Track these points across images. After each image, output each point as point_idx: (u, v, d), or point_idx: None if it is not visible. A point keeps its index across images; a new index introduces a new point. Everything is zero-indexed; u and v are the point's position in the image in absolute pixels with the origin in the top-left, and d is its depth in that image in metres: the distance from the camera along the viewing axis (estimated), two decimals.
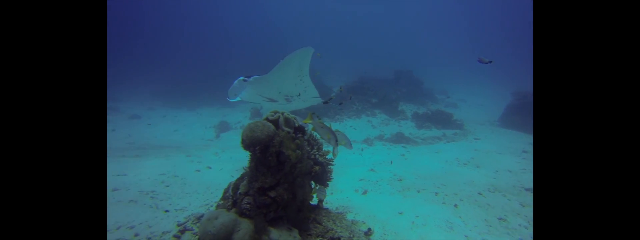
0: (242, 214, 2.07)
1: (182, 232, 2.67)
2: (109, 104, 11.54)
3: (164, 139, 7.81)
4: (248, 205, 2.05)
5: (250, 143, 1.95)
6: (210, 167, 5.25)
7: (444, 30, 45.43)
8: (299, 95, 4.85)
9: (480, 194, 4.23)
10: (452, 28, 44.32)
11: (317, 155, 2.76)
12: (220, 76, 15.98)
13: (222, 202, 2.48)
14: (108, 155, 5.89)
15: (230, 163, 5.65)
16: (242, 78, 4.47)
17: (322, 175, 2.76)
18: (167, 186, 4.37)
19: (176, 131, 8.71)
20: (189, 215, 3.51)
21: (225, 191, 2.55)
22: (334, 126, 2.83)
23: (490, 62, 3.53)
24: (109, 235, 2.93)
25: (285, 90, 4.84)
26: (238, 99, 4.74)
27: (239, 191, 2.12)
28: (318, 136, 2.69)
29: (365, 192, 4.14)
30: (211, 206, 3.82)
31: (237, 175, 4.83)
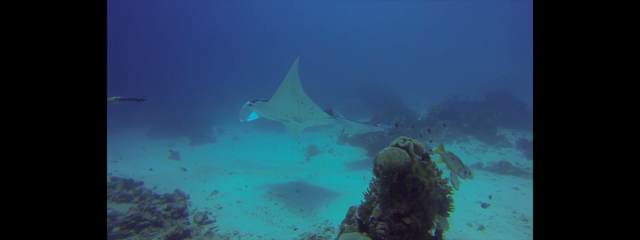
0: (376, 238, 2.12)
1: None
2: (216, 127, 13.56)
3: (262, 159, 8.67)
4: (383, 231, 2.09)
5: (389, 169, 2.04)
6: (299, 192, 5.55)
7: None
8: (309, 116, 4.89)
9: None
10: None
11: (438, 183, 2.68)
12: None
13: (347, 225, 2.59)
14: (222, 171, 6.84)
15: (326, 186, 5.88)
16: (248, 103, 4.75)
17: (443, 205, 2.64)
18: (275, 204, 4.77)
19: (273, 152, 9.59)
20: (303, 234, 3.75)
21: (349, 215, 2.66)
22: None
23: None
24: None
25: (291, 113, 4.95)
26: (248, 119, 4.96)
27: (372, 216, 2.19)
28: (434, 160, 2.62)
29: (481, 228, 3.74)
30: (319, 226, 4.00)
31: (333, 200, 4.97)
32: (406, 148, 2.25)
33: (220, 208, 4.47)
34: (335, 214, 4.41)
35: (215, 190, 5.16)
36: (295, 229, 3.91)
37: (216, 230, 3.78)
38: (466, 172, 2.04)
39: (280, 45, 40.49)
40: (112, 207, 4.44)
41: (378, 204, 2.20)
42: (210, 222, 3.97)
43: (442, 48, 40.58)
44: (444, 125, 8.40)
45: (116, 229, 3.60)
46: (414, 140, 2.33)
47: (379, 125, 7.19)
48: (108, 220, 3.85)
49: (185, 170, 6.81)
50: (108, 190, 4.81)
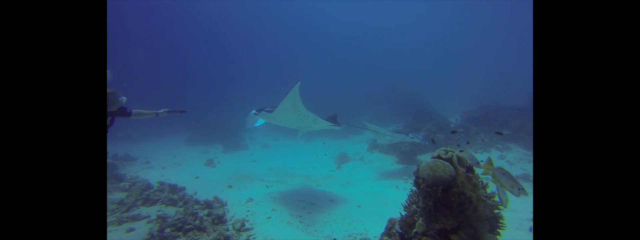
0: None
1: None
2: (247, 135, 14.00)
3: (292, 167, 8.79)
4: None
5: (433, 182, 2.00)
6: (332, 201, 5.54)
7: None
8: (312, 125, 5.23)
9: None
10: None
11: (484, 197, 2.56)
12: (334, 107, 17.23)
13: (387, 238, 2.55)
14: (255, 178, 7.04)
15: (359, 195, 5.82)
16: (253, 112, 5.03)
17: (493, 222, 2.51)
18: (309, 213, 4.81)
19: (303, 160, 9.70)
20: None
21: (389, 227, 2.62)
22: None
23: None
24: None
25: (295, 124, 5.28)
26: (256, 125, 5.25)
27: (416, 230, 2.14)
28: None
29: None
30: (354, 237, 3.96)
31: (367, 209, 4.89)
32: (449, 160, 2.19)
33: (256, 216, 4.59)
34: (370, 224, 4.35)
35: (250, 198, 5.32)
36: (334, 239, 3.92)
37: (254, 238, 3.89)
38: (519, 189, 1.92)
39: (303, 51, 40.94)
40: (162, 209, 4.78)
41: (421, 218, 2.15)
42: (248, 229, 4.09)
43: (477, 49, 38.76)
44: (456, 131, 7.90)
45: (168, 230, 3.84)
46: (456, 152, 2.26)
47: (410, 135, 7.01)
48: (160, 221, 4.15)
49: (198, 177, 7.03)
50: (157, 193, 5.16)
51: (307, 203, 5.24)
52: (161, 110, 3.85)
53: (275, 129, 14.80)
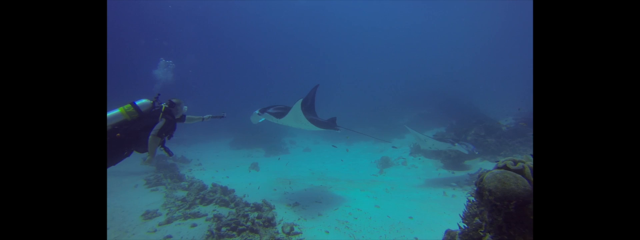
0: None
1: None
2: (288, 139, 14.38)
3: (335, 171, 8.83)
4: None
5: (502, 196, 1.88)
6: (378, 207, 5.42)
7: None
8: (312, 128, 5.48)
9: None
10: None
11: None
12: (373, 110, 17.02)
13: None
14: (299, 182, 7.19)
15: (405, 201, 5.66)
16: (257, 112, 5.39)
17: None
18: (356, 218, 4.78)
19: (342, 165, 9.71)
20: None
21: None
22: None
23: None
24: None
25: (296, 127, 5.66)
26: (260, 121, 5.56)
27: None
28: None
29: None
30: None
31: (413, 215, 4.73)
32: (520, 171, 2.03)
33: (304, 220, 4.68)
34: (419, 233, 4.20)
35: (296, 202, 5.44)
36: None
37: None
38: None
39: (344, 54, 40.89)
40: (216, 209, 5.13)
41: (489, 234, 2.03)
42: (297, 233, 4.18)
43: (528, 49, 35.53)
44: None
45: (224, 229, 4.10)
46: (528, 163, 2.10)
47: (457, 144, 6.62)
48: (216, 219, 4.46)
49: (250, 184, 7.36)
50: (211, 194, 5.54)
51: (352, 208, 5.22)
52: (206, 116, 4.53)
53: (315, 132, 15.01)
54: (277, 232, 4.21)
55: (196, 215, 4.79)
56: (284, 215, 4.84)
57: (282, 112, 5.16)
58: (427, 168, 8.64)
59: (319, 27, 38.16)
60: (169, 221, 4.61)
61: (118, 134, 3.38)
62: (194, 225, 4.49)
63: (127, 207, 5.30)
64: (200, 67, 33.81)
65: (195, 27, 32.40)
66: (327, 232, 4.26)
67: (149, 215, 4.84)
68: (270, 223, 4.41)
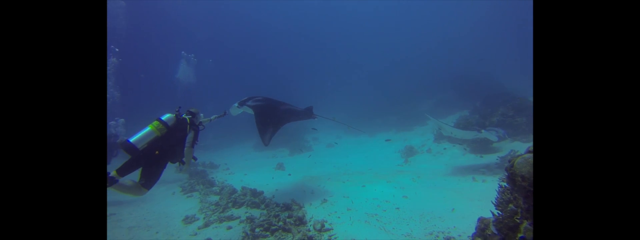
0: None
1: None
2: (311, 136, 14.51)
3: (359, 164, 8.84)
4: None
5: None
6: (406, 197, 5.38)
7: None
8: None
9: None
10: None
11: None
12: (390, 97, 16.76)
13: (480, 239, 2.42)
14: (325, 179, 7.27)
15: (433, 190, 5.58)
16: (236, 105, 5.50)
17: None
18: (384, 210, 4.80)
19: (366, 158, 9.69)
20: None
21: (482, 228, 2.47)
22: None
23: None
24: None
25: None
26: (238, 113, 5.73)
27: (522, 235, 1.98)
28: None
29: None
30: (436, 235, 3.83)
31: (442, 204, 4.67)
32: None
33: (334, 216, 4.76)
34: (450, 222, 4.14)
35: (324, 199, 5.54)
36: (410, 237, 3.85)
37: (335, 238, 4.05)
38: None
39: (360, 44, 40.24)
40: (248, 210, 5.36)
41: (526, 221, 1.98)
42: (328, 230, 4.27)
43: None
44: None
45: (258, 230, 4.28)
46: None
47: (484, 131, 6.34)
48: (249, 221, 4.68)
49: (277, 189, 7.51)
50: (242, 197, 5.79)
51: (381, 201, 5.23)
52: (213, 117, 4.84)
53: (336, 127, 15.06)
54: (309, 230, 4.32)
55: (230, 218, 5.02)
56: (313, 213, 4.95)
57: (259, 104, 5.54)
58: (454, 154, 8.43)
59: (331, 22, 37.77)
60: (206, 225, 4.87)
61: (157, 152, 3.62)
62: (230, 227, 4.72)
63: (169, 212, 5.66)
64: (217, 69, 34.66)
65: (210, 30, 33.26)
66: (358, 226, 4.31)
67: (188, 219, 5.13)
68: (301, 221, 4.53)
